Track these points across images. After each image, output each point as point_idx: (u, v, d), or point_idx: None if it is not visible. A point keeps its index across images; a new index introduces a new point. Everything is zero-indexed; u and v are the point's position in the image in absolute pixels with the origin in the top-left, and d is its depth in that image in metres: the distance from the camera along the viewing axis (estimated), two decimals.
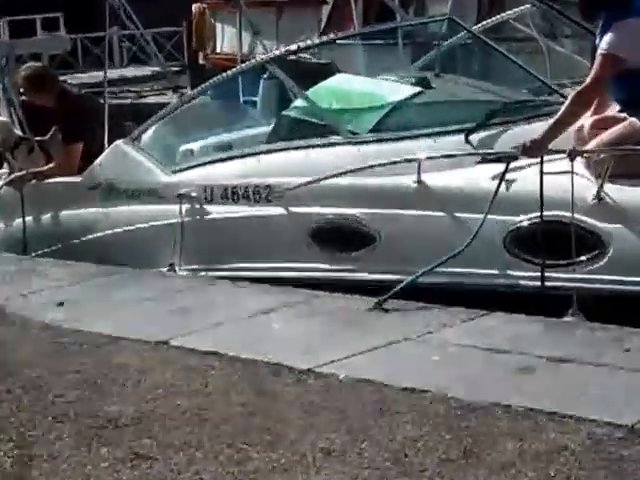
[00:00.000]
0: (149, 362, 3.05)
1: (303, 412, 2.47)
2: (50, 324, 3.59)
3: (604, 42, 3.68)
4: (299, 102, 4.85)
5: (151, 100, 9.92)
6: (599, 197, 3.50)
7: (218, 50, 9.69)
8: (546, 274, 3.52)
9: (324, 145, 4.49)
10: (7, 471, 2.17)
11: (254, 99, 6.08)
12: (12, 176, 5.62)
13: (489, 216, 3.54)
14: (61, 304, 3.87)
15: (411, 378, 2.67)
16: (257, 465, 2.12)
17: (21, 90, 5.94)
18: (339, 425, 2.34)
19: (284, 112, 5.01)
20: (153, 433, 2.38)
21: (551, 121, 3.83)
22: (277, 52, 5.45)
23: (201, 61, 10.02)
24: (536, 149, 3.69)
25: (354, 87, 4.90)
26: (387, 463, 2.11)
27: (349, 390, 2.63)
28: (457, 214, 3.86)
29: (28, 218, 5.44)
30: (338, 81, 5.07)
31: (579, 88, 3.87)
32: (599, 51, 3.73)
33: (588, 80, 3.79)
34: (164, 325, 3.52)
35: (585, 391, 2.53)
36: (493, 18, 5.74)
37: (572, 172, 3.45)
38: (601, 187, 3.50)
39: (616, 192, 3.52)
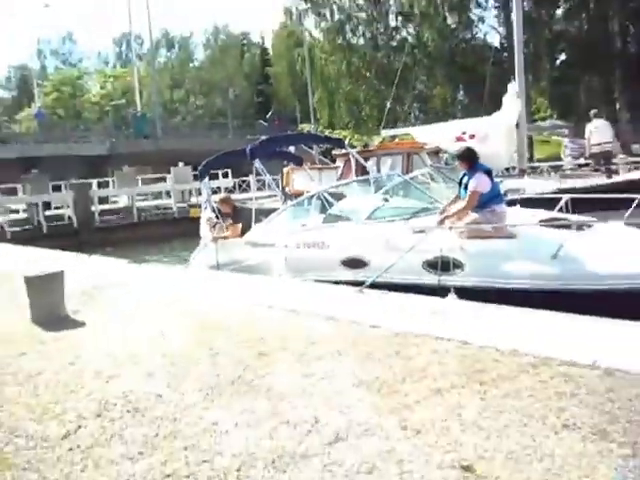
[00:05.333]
0: None
1: None
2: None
3: (472, 184, 7.06)
4: (334, 208, 8.77)
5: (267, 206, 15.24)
6: (461, 246, 6.73)
7: (296, 187, 15.80)
8: (440, 278, 6.69)
9: (346, 224, 8.27)
10: None
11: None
12: (214, 236, 9.92)
13: (418, 250, 6.64)
14: None
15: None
16: None
17: (216, 204, 10.58)
18: None
19: (329, 211, 8.75)
20: None
21: (453, 214, 7.22)
22: (322, 188, 9.77)
23: (287, 191, 15.54)
24: (441, 223, 7.22)
25: (356, 203, 8.89)
26: None
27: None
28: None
29: (219, 255, 9.45)
30: (347, 200, 9.20)
31: (465, 204, 7.07)
32: (470, 189, 7.03)
33: (469, 202, 7.03)
34: None
35: None
36: (411, 174, 10.40)
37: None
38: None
39: (469, 244, 6.77)
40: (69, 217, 23.80)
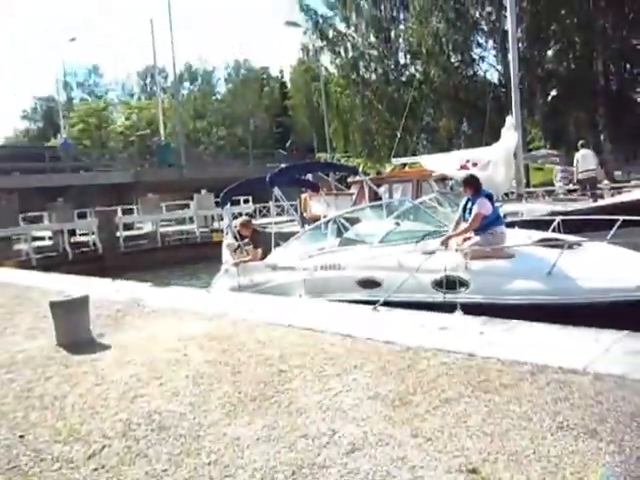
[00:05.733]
0: None
1: None
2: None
3: (476, 207, 7.29)
4: (350, 232, 9.08)
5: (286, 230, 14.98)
6: (466, 266, 6.90)
7: (313, 213, 16.36)
8: (446, 295, 6.84)
9: (361, 247, 8.43)
10: None
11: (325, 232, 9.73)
12: (235, 262, 10.18)
13: (423, 269, 6.84)
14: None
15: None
16: None
17: (237, 227, 10.65)
18: None
19: (345, 235, 9.00)
20: None
21: (457, 233, 7.53)
22: (338, 213, 9.84)
23: (305, 216, 16.28)
24: (445, 242, 7.44)
25: (370, 227, 9.14)
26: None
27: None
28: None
29: (240, 278, 9.83)
30: (362, 224, 9.46)
31: (468, 225, 7.33)
32: (474, 211, 7.27)
33: (473, 223, 7.27)
34: None
35: None
36: (420, 199, 10.21)
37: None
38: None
39: (473, 264, 6.92)
40: (94, 243, 23.96)
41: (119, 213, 26.48)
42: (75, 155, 38.75)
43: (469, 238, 7.37)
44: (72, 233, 24.60)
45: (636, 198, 10.48)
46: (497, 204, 8.28)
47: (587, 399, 3.57)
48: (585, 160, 16.18)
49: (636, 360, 4.17)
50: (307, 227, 10.20)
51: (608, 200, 13.00)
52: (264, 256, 9.85)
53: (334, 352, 4.96)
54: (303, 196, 18.09)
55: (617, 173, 27.70)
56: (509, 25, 15.22)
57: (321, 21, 39.99)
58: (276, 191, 10.39)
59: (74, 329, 6.12)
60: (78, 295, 6.35)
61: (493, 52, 35.91)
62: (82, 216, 26.14)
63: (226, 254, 10.74)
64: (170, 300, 8.10)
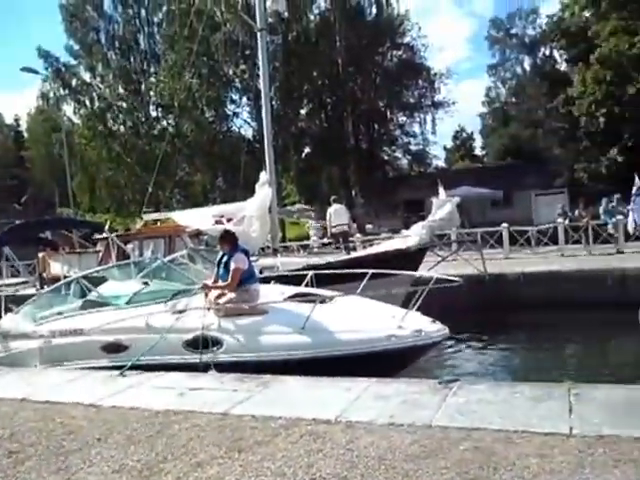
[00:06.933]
0: None
1: None
2: None
3: (234, 263, 7.38)
4: (93, 294, 8.53)
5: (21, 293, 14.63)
6: (219, 324, 7.09)
7: (53, 273, 14.88)
8: (199, 355, 6.84)
9: (105, 310, 8.01)
10: None
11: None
12: None
13: (174, 330, 7.07)
14: None
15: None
16: None
17: None
18: None
19: (88, 297, 8.52)
20: None
21: (219, 286, 7.52)
22: (80, 273, 9.50)
23: (44, 276, 15.20)
24: (207, 289, 7.64)
25: (116, 287, 8.59)
26: None
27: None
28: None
29: None
30: (107, 285, 8.75)
31: (230, 281, 7.34)
32: (232, 267, 7.35)
33: (234, 280, 7.32)
34: None
35: None
36: (170, 256, 9.85)
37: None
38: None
39: (226, 322, 7.12)
40: None
41: None
42: None
43: (223, 295, 7.51)
44: None
45: (385, 250, 11.56)
46: (252, 259, 8.61)
47: (339, 448, 3.81)
48: (337, 214, 17.76)
49: (384, 405, 4.61)
50: (46, 289, 9.54)
51: (360, 252, 14.17)
52: None
53: (75, 425, 4.68)
54: (41, 255, 16.91)
55: (368, 226, 30.95)
56: (262, 83, 16.16)
57: (63, 69, 38.46)
58: (7, 250, 9.67)
59: None
60: None
61: (247, 109, 37.89)
62: None
63: None
64: None
